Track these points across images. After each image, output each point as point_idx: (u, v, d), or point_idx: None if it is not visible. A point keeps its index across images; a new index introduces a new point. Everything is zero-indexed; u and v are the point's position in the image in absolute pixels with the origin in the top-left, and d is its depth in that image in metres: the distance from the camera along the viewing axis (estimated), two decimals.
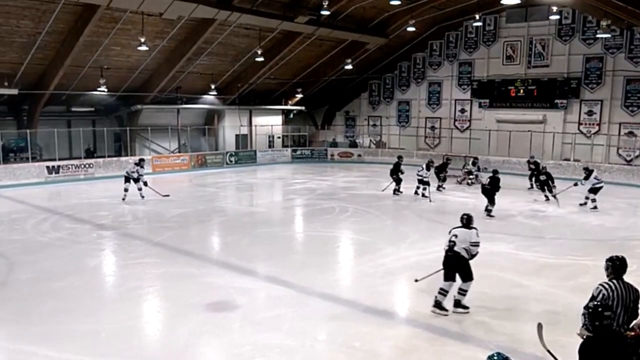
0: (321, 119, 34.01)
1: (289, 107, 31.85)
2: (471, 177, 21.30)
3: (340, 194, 18.88)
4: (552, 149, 24.58)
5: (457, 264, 7.85)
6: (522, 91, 25.83)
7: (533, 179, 19.79)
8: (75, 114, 25.36)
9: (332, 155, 30.36)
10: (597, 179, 16.28)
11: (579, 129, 24.65)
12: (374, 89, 32.02)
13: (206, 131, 28.59)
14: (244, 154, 28.57)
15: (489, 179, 15.64)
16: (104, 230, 13.20)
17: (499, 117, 26.77)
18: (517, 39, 25.97)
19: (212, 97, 27.58)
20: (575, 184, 17.12)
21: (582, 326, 4.83)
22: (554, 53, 25.04)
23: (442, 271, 7.96)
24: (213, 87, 26.32)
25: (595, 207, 16.05)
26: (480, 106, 27.57)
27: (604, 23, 19.48)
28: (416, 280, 8.65)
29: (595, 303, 4.59)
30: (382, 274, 9.77)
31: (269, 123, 30.88)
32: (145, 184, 17.02)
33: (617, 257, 5.53)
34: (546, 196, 17.58)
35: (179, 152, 26.77)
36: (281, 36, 24.13)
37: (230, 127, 29.44)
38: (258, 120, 30.70)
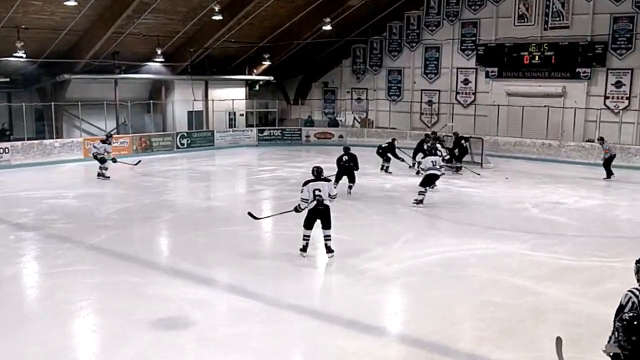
0: (294, 92, 33.95)
1: (254, 77, 31.67)
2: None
3: None
4: (573, 128, 24.93)
5: (326, 215, 10.69)
6: (537, 58, 26.09)
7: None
8: None
9: (307, 136, 30.38)
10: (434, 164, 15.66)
11: (605, 103, 25.03)
12: (359, 54, 32.04)
13: (151, 107, 28.29)
14: (199, 135, 28.40)
15: (347, 156, 16.70)
16: (23, 230, 13.05)
17: (509, 89, 27.04)
18: None
19: (159, 65, 27.29)
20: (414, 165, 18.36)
21: (612, 342, 4.91)
22: (575, 11, 25.31)
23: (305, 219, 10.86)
24: (159, 52, 26.02)
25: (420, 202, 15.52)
26: (487, 76, 27.81)
27: None
28: (252, 216, 11.93)
29: (632, 314, 4.63)
30: (369, 281, 9.83)
31: (230, 97, 30.69)
32: (115, 160, 19.41)
33: None
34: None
35: (118, 133, 26.45)
36: None
37: (181, 102, 29.20)
38: (216, 93, 30.50)
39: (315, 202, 10.61)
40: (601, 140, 21.11)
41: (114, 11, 22.22)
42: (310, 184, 10.75)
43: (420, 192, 15.56)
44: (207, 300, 8.92)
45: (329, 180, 11.10)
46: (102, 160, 19.12)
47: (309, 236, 10.94)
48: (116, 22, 22.48)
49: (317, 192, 10.59)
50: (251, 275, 10.00)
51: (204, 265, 10.62)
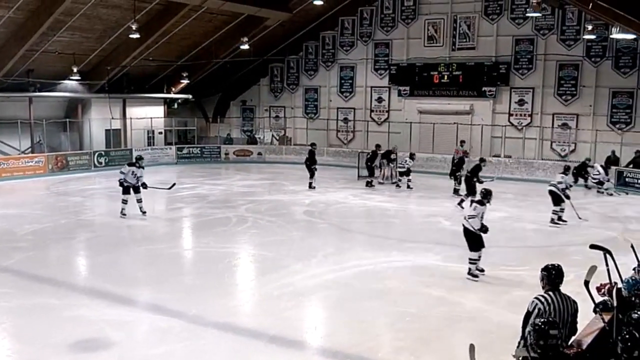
0: (212, 110, 33.69)
1: (172, 95, 31.29)
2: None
3: (238, 201, 18.82)
4: (481, 144, 25.75)
5: (465, 235, 10.82)
6: (446, 77, 26.89)
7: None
8: None
9: (226, 153, 30.17)
10: None
11: (509, 120, 26.04)
12: (276, 73, 32.16)
13: (67, 125, 27.46)
14: (117, 153, 27.74)
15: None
16: None
17: (421, 107, 27.72)
18: (440, 17, 27.02)
19: (75, 82, 26.57)
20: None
21: (521, 346, 5.13)
22: (480, 34, 26.30)
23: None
24: (75, 70, 25.34)
25: None
26: (399, 94, 28.42)
27: (534, 0, 20.68)
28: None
29: (543, 320, 4.88)
30: (289, 296, 9.85)
31: (148, 115, 30.16)
32: (145, 186, 16.03)
33: (552, 265, 5.90)
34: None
35: (32, 152, 25.61)
36: (161, 7, 23.66)
37: (98, 121, 28.47)
38: (134, 111, 29.92)
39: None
40: (462, 142, 24.64)
41: (28, 28, 21.54)
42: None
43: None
44: (128, 321, 8.71)
45: (481, 203, 10.82)
46: (138, 189, 16.00)
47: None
48: (30, 39, 21.80)
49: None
50: (173, 294, 9.84)
51: (124, 285, 10.36)
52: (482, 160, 18.63)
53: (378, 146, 23.02)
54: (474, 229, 10.65)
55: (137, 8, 22.34)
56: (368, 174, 22.16)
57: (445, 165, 24.74)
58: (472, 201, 11.17)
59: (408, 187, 21.08)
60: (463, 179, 18.89)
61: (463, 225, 10.87)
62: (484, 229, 10.70)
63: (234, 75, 31.67)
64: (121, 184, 16.02)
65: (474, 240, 10.73)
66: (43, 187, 21.59)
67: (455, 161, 23.14)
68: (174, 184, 17.45)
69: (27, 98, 25.46)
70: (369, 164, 22.18)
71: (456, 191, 19.51)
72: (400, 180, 21.71)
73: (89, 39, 24.42)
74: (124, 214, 16.01)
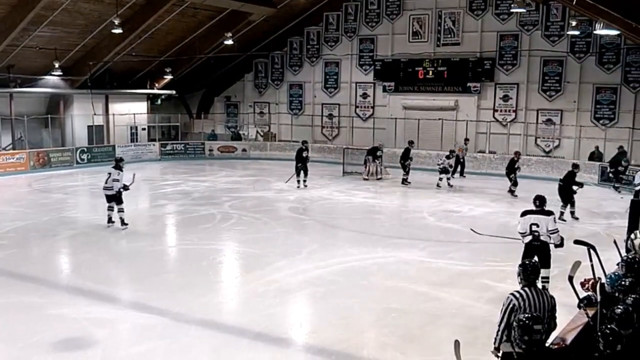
0: (196, 106, 33.59)
1: (155, 91, 31.12)
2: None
3: (222, 198, 18.77)
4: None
5: (540, 252, 9.29)
6: (431, 73, 26.94)
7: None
8: None
9: (210, 150, 30.09)
10: None
11: (494, 116, 26.15)
12: (260, 69, 32.09)
13: (49, 122, 27.25)
14: (100, 150, 27.57)
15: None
16: None
17: (405, 103, 27.77)
18: (425, 12, 27.07)
19: (57, 78, 26.36)
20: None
21: (504, 341, 5.19)
22: (465, 29, 26.37)
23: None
24: (57, 65, 25.15)
25: None
26: (384, 90, 28.46)
27: None
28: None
29: (527, 315, 4.94)
30: (274, 293, 9.84)
31: (131, 111, 29.95)
32: (126, 188, 14.39)
33: (528, 261, 5.96)
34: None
35: (14, 148, 25.41)
36: (144, 2, 23.52)
37: (80, 117, 28.25)
38: (116, 107, 29.71)
39: (530, 237, 9.46)
40: (467, 140, 24.61)
41: (9, 23, 21.33)
42: (528, 216, 9.58)
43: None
44: (111, 319, 8.67)
45: (550, 214, 9.61)
46: (119, 199, 14.33)
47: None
48: (11, 34, 21.59)
49: (533, 227, 9.41)
50: (156, 292, 9.81)
51: (106, 282, 10.33)
52: (575, 166, 16.56)
53: (411, 142, 22.60)
54: (554, 243, 9.46)
55: (119, 2, 22.16)
56: (404, 172, 21.57)
57: (430, 161, 24.83)
58: (547, 211, 9.79)
59: (438, 185, 20.80)
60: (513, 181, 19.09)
61: (540, 241, 9.43)
62: (563, 243, 9.46)
63: (218, 70, 31.56)
64: (117, 196, 14.30)
65: (549, 256, 9.51)
66: (24, 184, 21.42)
67: (461, 160, 23.33)
68: (134, 175, 15.30)
69: (7, 94, 25.21)
70: (402, 161, 21.63)
71: (512, 192, 19.27)
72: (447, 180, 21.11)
73: (70, 34, 24.23)
74: (127, 223, 14.42)
